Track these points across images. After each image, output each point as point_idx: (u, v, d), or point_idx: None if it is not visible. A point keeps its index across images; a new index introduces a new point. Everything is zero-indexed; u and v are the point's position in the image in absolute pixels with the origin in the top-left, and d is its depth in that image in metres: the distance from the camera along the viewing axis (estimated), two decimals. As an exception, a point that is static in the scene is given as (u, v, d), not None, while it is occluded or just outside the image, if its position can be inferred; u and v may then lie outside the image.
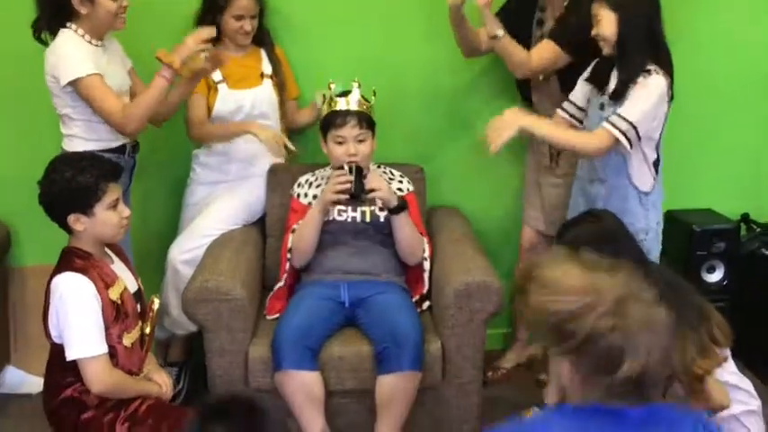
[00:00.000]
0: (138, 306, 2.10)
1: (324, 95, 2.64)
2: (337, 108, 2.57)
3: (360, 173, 2.51)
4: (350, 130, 2.55)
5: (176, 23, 2.77)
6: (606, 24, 2.30)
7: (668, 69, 2.33)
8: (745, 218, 3.14)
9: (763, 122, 3.14)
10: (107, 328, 1.96)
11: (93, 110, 2.41)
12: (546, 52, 2.57)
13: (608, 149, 2.33)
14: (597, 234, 2.10)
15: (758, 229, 3.08)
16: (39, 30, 2.44)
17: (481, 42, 2.66)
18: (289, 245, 2.62)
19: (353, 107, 2.56)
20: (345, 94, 2.58)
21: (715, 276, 2.96)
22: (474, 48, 2.71)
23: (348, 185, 2.49)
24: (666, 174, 2.50)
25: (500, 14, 2.67)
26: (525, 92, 2.87)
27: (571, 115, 2.50)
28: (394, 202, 2.55)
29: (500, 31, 2.51)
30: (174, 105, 2.61)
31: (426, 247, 2.63)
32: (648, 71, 2.29)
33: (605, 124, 2.30)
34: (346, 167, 2.52)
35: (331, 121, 2.57)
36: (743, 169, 3.18)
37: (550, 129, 2.39)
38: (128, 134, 2.48)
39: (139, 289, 2.15)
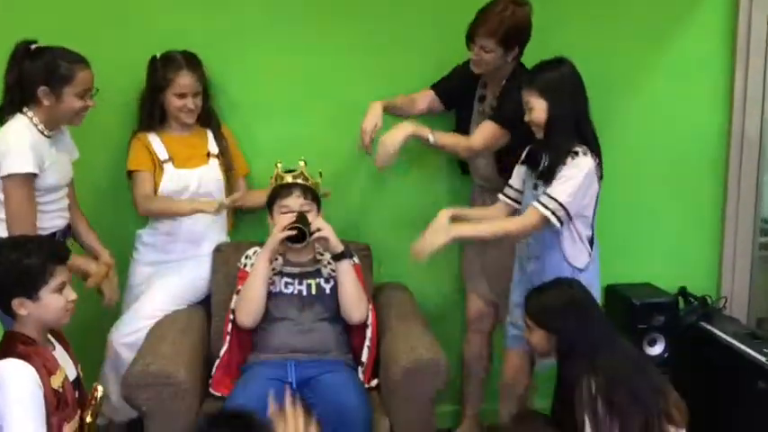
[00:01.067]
0: (77, 393, 2.03)
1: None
2: (283, 182, 2.64)
3: (305, 218, 2.58)
4: (295, 200, 2.62)
5: (116, 101, 2.80)
6: (537, 111, 2.41)
7: (595, 150, 2.44)
8: (683, 291, 3.22)
9: (697, 198, 3.27)
10: (47, 418, 1.89)
11: (5, 204, 2.35)
12: (487, 132, 2.67)
13: (538, 228, 2.40)
14: (565, 301, 2.17)
15: (695, 302, 3.17)
16: (4, 116, 2.40)
17: (416, 107, 2.83)
18: (232, 305, 2.61)
19: (299, 180, 2.64)
20: (292, 170, 2.66)
21: (656, 349, 3.01)
22: (411, 114, 2.83)
23: (294, 219, 2.55)
24: (604, 248, 2.57)
25: (443, 90, 2.81)
26: (464, 167, 2.98)
27: (512, 199, 2.59)
28: (339, 248, 2.60)
29: (430, 136, 2.64)
30: None
31: (370, 314, 2.64)
32: (576, 152, 2.39)
33: (535, 203, 2.39)
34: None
35: (277, 193, 2.65)
36: (678, 243, 3.28)
37: (481, 228, 2.48)
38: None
39: (78, 376, 2.08)
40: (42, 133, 2.40)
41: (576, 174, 2.36)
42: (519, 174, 2.57)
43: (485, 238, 2.53)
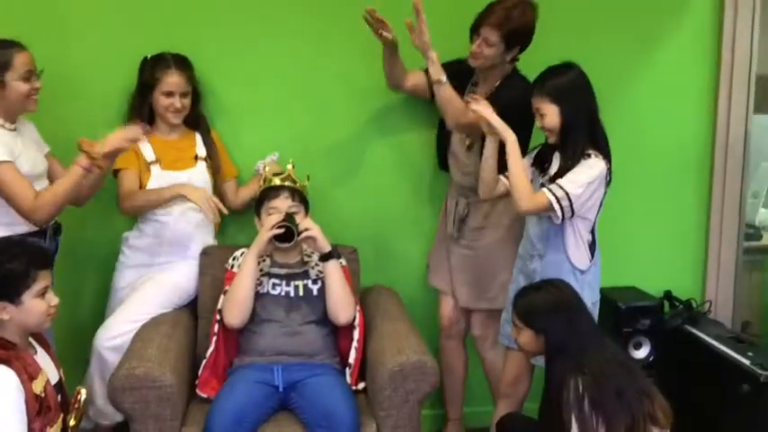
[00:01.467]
0: (59, 397, 2.01)
1: (263, 168, 2.75)
2: (271, 185, 2.65)
3: (293, 217, 2.59)
4: (282, 201, 2.62)
5: (98, 106, 2.82)
6: (550, 117, 2.42)
7: (606, 153, 2.46)
8: (668, 295, 3.24)
9: (682, 203, 3.29)
10: (29, 423, 1.87)
11: (2, 197, 2.36)
12: None
13: (538, 210, 2.43)
14: (553, 302, 2.18)
15: (680, 306, 3.18)
16: None
17: (407, 80, 2.79)
18: (219, 306, 2.60)
19: (287, 183, 2.64)
20: (280, 173, 2.66)
21: (642, 352, 3.03)
22: (398, 83, 2.82)
23: (281, 218, 2.54)
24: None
25: None
26: (444, 164, 2.96)
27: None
28: (327, 248, 2.59)
29: (443, 77, 2.58)
30: (92, 188, 2.57)
31: (357, 314, 2.64)
32: (589, 155, 2.41)
33: (543, 189, 2.41)
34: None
35: (265, 195, 2.66)
36: (663, 247, 3.30)
37: (519, 163, 2.45)
38: (36, 222, 2.40)
39: (60, 379, 2.07)
40: (3, 127, 2.40)
41: (587, 171, 2.40)
42: (527, 169, 2.57)
43: (511, 170, 2.44)
